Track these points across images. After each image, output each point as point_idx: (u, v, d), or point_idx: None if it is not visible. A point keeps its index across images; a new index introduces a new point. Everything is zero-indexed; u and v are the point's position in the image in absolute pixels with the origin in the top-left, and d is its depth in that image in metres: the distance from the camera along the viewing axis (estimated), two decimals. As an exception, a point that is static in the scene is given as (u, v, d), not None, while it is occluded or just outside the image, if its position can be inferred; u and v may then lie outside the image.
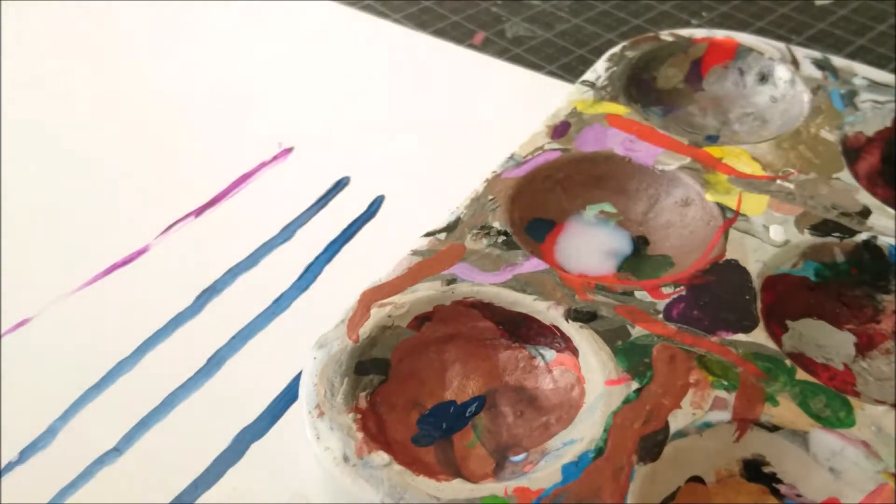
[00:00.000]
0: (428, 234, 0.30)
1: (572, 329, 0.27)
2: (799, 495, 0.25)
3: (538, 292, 0.28)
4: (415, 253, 0.29)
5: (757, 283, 0.29)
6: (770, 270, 0.29)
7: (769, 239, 0.30)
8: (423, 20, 0.49)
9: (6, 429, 0.29)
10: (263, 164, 0.39)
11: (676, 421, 0.24)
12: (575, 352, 0.27)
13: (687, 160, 0.33)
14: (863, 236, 0.30)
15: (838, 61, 0.38)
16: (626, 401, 0.25)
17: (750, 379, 0.25)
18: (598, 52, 0.41)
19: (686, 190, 0.33)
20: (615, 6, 0.51)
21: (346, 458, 0.24)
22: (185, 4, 0.50)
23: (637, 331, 0.27)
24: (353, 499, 0.23)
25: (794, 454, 0.25)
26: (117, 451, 0.28)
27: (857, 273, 0.30)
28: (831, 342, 0.29)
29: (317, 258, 0.35)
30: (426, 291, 0.28)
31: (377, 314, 0.27)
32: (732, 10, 0.50)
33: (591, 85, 0.37)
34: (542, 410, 0.27)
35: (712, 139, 0.36)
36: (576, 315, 0.27)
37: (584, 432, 0.25)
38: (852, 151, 0.34)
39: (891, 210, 0.31)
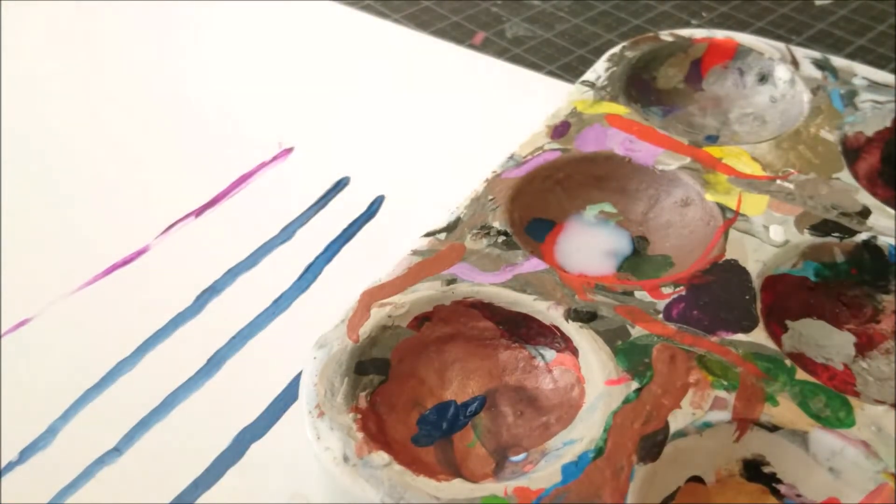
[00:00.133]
0: (428, 234, 0.30)
1: (572, 329, 0.27)
2: (799, 495, 0.25)
3: (538, 292, 0.28)
4: (415, 253, 0.29)
5: (757, 283, 0.29)
6: (770, 270, 0.29)
7: (769, 239, 0.30)
8: (423, 20, 0.49)
9: (6, 429, 0.29)
10: (263, 164, 0.39)
11: (676, 421, 0.24)
12: (575, 352, 0.27)
13: (687, 160, 0.33)
14: (862, 236, 0.30)
15: (838, 61, 0.38)
16: (626, 401, 0.25)
17: (750, 379, 0.25)
18: (598, 52, 0.41)
19: (686, 190, 0.33)
20: (615, 6, 0.51)
21: (346, 458, 0.24)
22: (185, 4, 0.50)
23: (637, 331, 0.27)
24: (353, 499, 0.23)
25: (794, 454, 0.25)
26: (117, 451, 0.28)
27: (857, 273, 0.30)
28: (831, 342, 0.29)
29: (317, 258, 0.35)
30: (426, 291, 0.28)
31: (377, 314, 0.27)
32: (732, 10, 0.50)
33: (591, 85, 0.37)
34: (542, 410, 0.27)
35: (712, 139, 0.36)
36: (576, 315, 0.27)
37: (584, 432, 0.25)
38: (852, 151, 0.34)
39: (890, 210, 0.31)
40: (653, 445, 0.24)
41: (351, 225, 0.36)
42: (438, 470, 0.25)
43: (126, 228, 0.36)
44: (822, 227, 0.30)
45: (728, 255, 0.29)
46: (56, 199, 0.37)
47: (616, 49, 0.39)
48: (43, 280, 0.34)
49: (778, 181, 0.32)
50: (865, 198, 0.32)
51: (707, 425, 0.25)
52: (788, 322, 0.29)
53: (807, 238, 0.30)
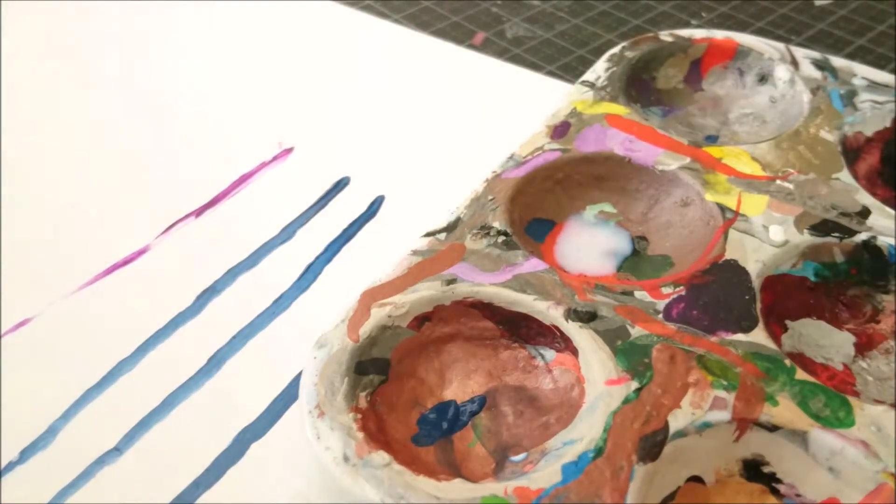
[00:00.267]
0: (428, 234, 0.30)
1: (572, 329, 0.27)
2: (798, 495, 0.25)
3: (538, 292, 0.28)
4: (415, 253, 0.29)
5: (756, 283, 0.29)
6: (769, 270, 0.29)
7: (769, 239, 0.30)
8: (423, 20, 0.49)
9: (6, 429, 0.29)
10: (263, 164, 0.39)
11: (676, 421, 0.24)
12: (575, 352, 0.27)
13: (687, 160, 0.33)
14: (862, 236, 0.30)
15: (838, 61, 0.38)
16: (626, 400, 0.25)
17: (749, 379, 0.25)
18: (598, 53, 0.41)
19: (686, 190, 0.33)
20: (615, 6, 0.51)
21: (346, 458, 0.24)
22: (185, 5, 0.50)
23: (637, 331, 0.27)
24: (353, 499, 0.23)
25: (794, 454, 0.25)
26: (118, 450, 0.28)
27: (857, 273, 0.30)
28: (831, 342, 0.29)
29: (317, 258, 0.35)
30: (426, 291, 0.28)
31: (377, 314, 0.27)
32: (732, 10, 0.50)
33: (591, 85, 0.37)
34: (542, 410, 0.27)
35: (712, 139, 0.36)
36: (576, 315, 0.27)
37: (584, 432, 0.25)
38: (852, 152, 0.34)
39: (890, 210, 0.31)
40: (652, 445, 0.24)
41: (351, 225, 0.36)
42: (438, 470, 0.25)
43: (126, 228, 0.36)
44: (822, 228, 0.30)
45: (728, 255, 0.29)
46: (56, 199, 0.37)
47: (616, 49, 0.39)
48: (43, 280, 0.34)
49: (778, 181, 0.32)
50: (865, 198, 0.32)
51: (707, 425, 0.25)
52: (788, 322, 0.29)
53: (806, 238, 0.30)
